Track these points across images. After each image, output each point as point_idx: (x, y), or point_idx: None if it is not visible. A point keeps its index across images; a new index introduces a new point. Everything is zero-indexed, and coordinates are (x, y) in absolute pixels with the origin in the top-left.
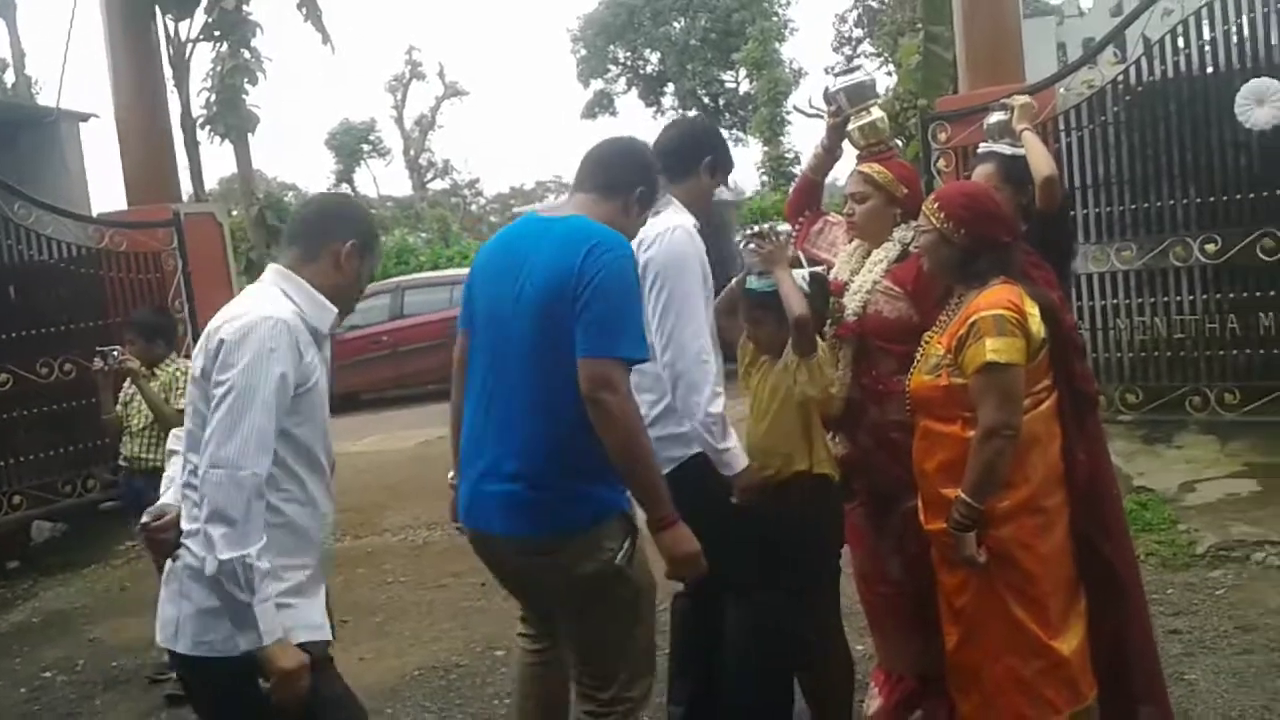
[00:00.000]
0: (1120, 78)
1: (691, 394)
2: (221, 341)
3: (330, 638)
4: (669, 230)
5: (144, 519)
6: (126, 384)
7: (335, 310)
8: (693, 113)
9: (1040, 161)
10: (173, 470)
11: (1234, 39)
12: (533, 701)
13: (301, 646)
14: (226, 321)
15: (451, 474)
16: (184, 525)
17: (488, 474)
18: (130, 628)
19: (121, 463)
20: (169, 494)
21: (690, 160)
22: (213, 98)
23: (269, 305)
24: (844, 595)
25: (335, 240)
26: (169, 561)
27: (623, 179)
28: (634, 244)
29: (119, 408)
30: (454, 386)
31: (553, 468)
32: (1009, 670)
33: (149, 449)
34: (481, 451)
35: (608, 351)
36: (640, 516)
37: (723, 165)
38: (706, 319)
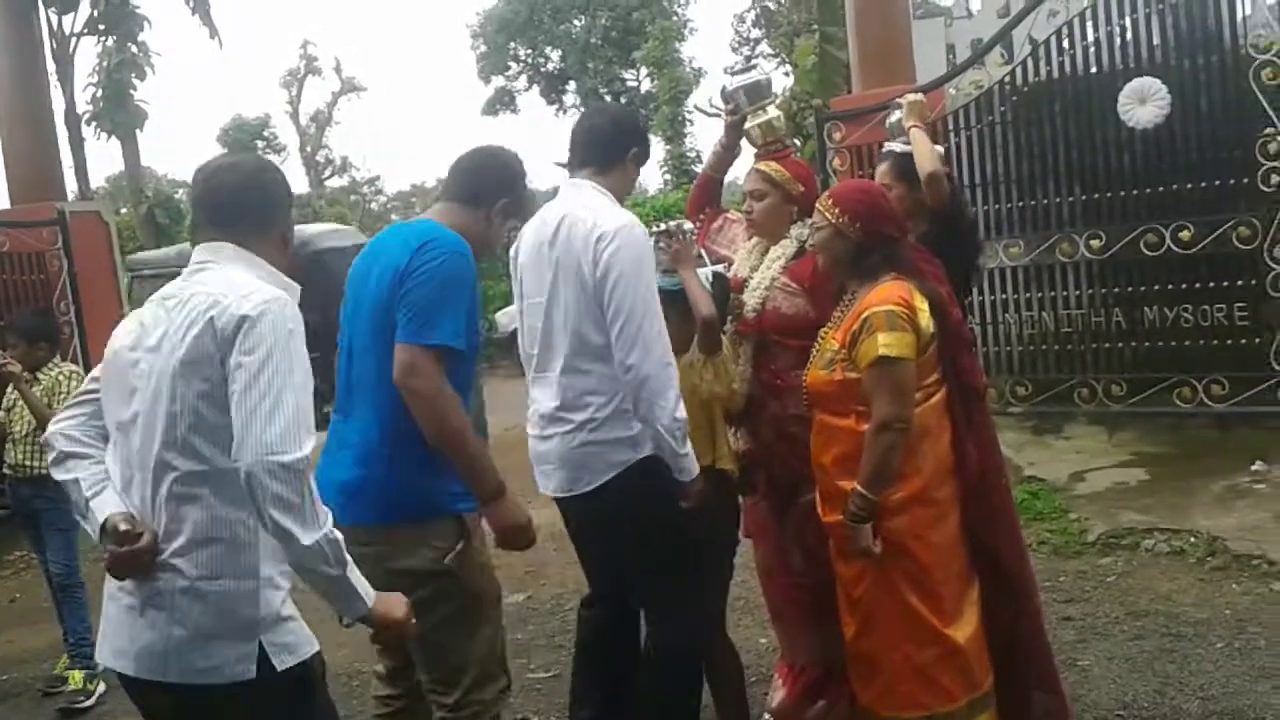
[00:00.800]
0: (1007, 78)
1: (657, 398)
2: (244, 319)
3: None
4: (626, 227)
5: (122, 527)
6: (9, 389)
7: (298, 287)
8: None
9: (924, 158)
10: (85, 473)
11: (1117, 40)
12: None
13: (305, 662)
14: (236, 300)
15: None
16: (169, 543)
17: (332, 464)
18: (21, 639)
19: (6, 470)
20: (107, 498)
21: (619, 150)
22: (99, 93)
23: (267, 286)
24: (746, 588)
25: (286, 212)
26: (117, 582)
27: (487, 190)
28: (591, 236)
29: (1, 413)
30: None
31: (385, 457)
32: (906, 658)
33: (33, 456)
34: (330, 444)
35: (420, 339)
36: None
37: (645, 156)
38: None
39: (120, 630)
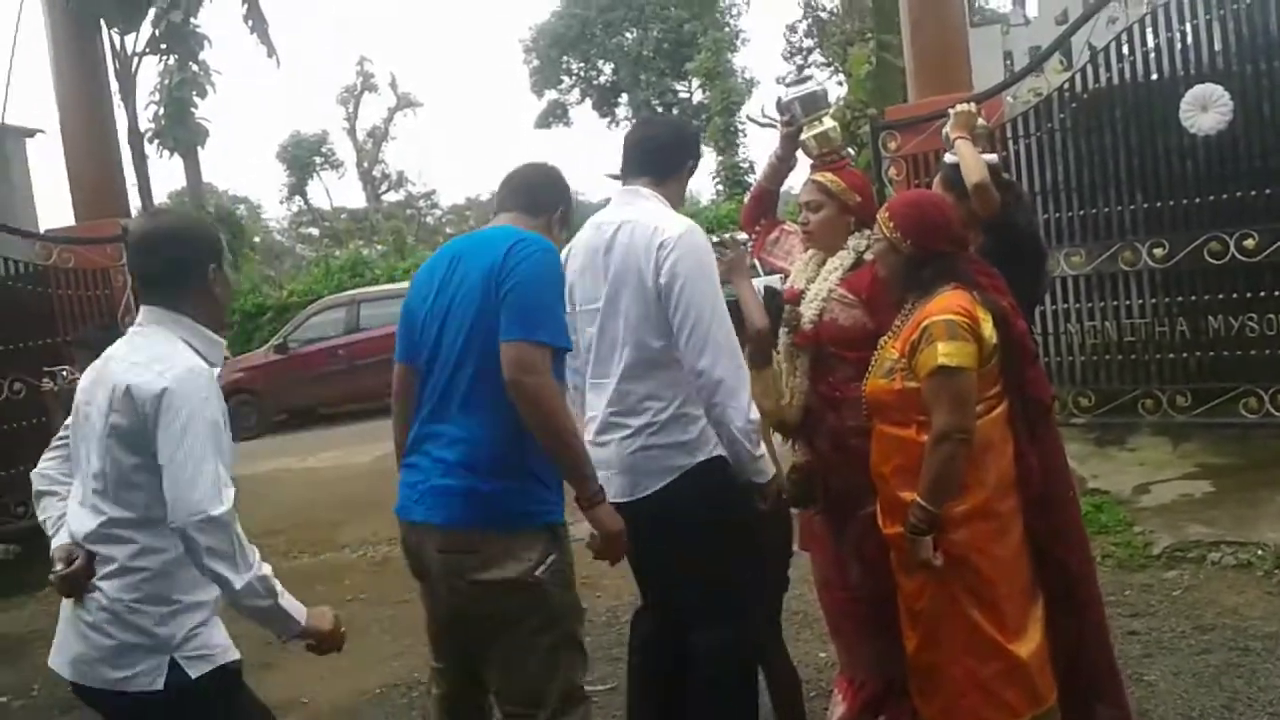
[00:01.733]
0: (1066, 85)
1: (731, 400)
2: (160, 393)
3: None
4: (688, 232)
5: (56, 567)
6: None
7: (224, 342)
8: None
9: (970, 169)
10: (54, 511)
11: (1178, 46)
12: None
13: (224, 667)
14: (155, 375)
15: None
16: (101, 568)
17: (422, 467)
18: None
19: None
20: (61, 535)
21: (679, 161)
22: (161, 111)
23: (185, 355)
24: (805, 601)
25: (204, 269)
26: (70, 603)
27: (545, 200)
28: (653, 242)
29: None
30: (395, 423)
31: (483, 461)
32: (968, 672)
33: None
34: (420, 448)
35: (529, 335)
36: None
37: (696, 168)
38: None
39: (64, 642)
